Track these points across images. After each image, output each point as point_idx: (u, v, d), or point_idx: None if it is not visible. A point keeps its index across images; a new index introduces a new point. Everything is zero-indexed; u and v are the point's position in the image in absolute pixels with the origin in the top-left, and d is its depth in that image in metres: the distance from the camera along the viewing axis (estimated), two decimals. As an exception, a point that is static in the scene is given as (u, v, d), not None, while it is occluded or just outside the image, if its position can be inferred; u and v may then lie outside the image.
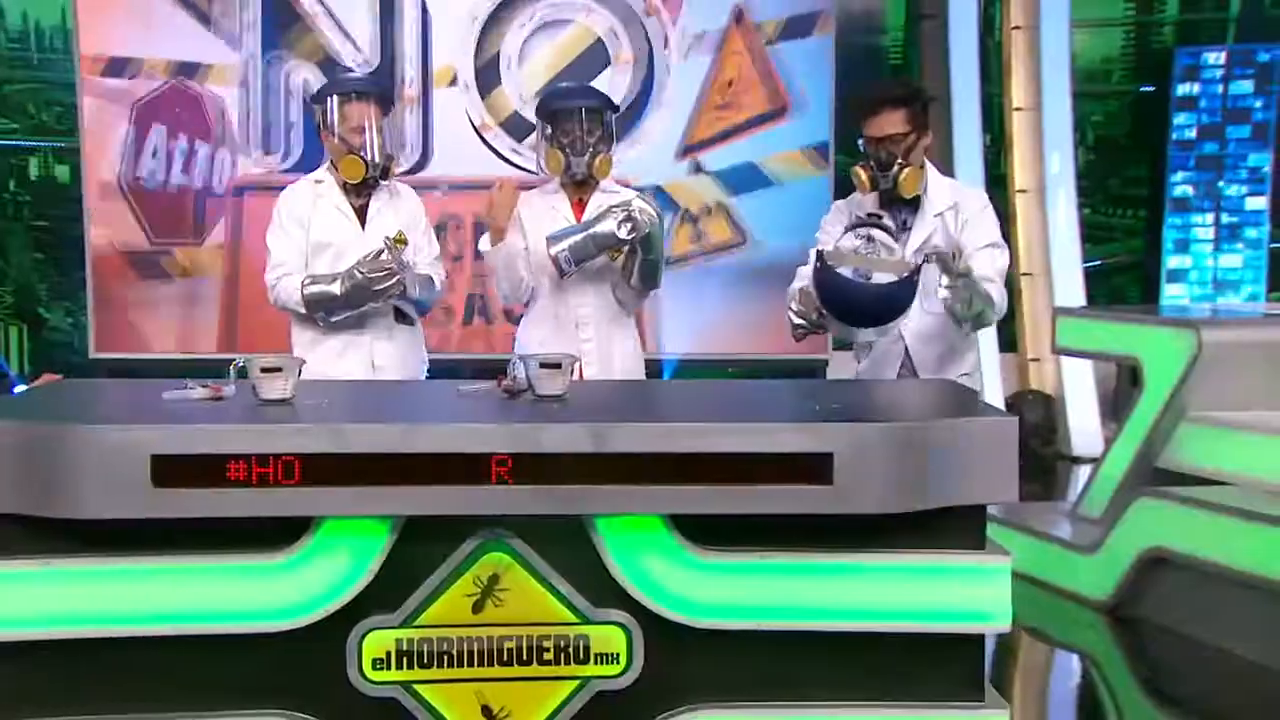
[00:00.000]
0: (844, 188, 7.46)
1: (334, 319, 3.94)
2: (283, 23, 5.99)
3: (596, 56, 6.07)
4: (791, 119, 6.64)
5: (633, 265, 3.99)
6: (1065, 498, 6.16)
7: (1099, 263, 7.90)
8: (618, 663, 2.68)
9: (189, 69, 6.39)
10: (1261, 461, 4.39)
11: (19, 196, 7.72)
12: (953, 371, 3.77)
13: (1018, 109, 7.53)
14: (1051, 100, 7.34)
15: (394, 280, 3.84)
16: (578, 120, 4.00)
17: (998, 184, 7.61)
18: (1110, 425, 6.35)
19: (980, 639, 2.75)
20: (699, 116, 6.34)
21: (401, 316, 4.11)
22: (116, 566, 2.55)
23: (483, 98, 5.93)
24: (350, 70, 6.29)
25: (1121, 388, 6.89)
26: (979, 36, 7.38)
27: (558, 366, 2.89)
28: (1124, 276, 8.06)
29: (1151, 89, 7.84)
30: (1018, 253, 7.57)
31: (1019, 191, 7.56)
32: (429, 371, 4.29)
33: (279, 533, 2.57)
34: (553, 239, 3.93)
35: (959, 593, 2.70)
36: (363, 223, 4.04)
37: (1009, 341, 7.50)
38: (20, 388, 7.56)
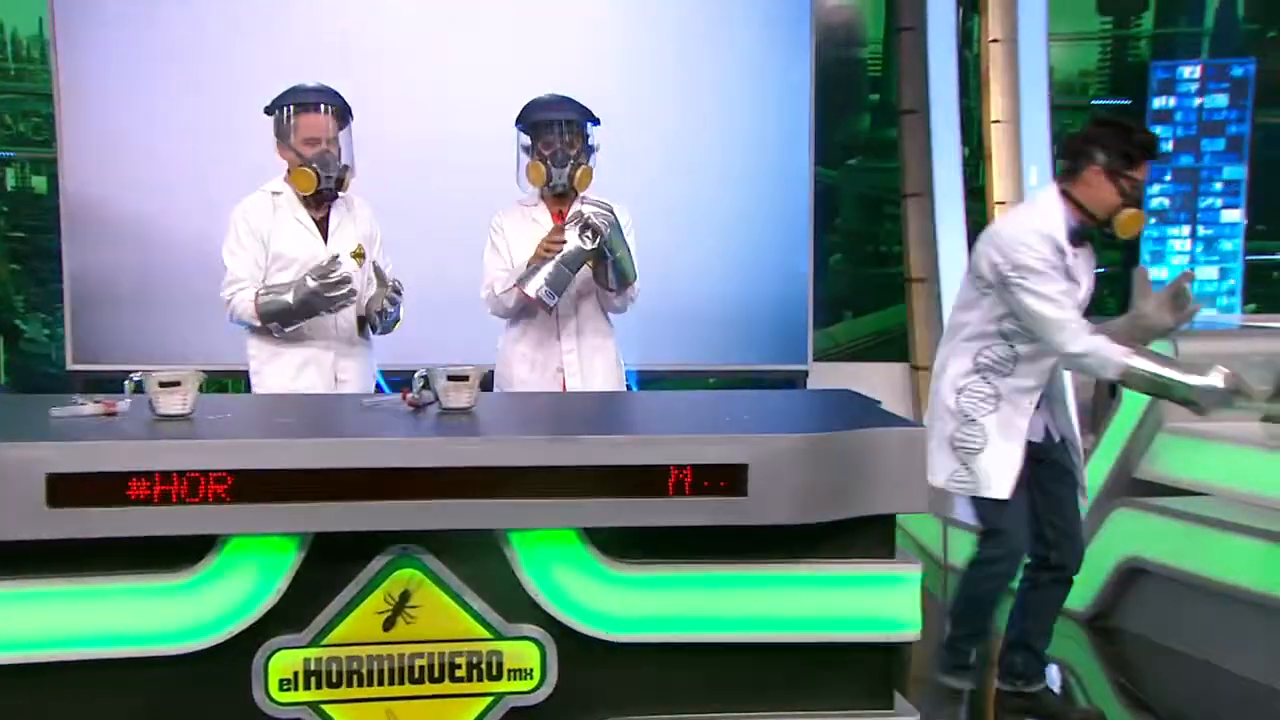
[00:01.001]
0: (823, 198, 7.53)
1: (288, 329, 3.89)
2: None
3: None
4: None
5: (605, 269, 3.96)
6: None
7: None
8: (531, 678, 2.65)
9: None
10: (1237, 472, 4.39)
11: (-4, 208, 7.74)
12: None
13: (996, 121, 7.48)
14: (1029, 113, 7.29)
15: (347, 290, 3.81)
16: (559, 132, 3.98)
17: (976, 196, 7.57)
18: (1088, 436, 6.31)
19: (890, 647, 2.75)
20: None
21: (363, 331, 4.07)
22: (10, 590, 2.50)
23: None
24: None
25: (1100, 399, 6.84)
26: (957, 49, 7.34)
27: (465, 379, 2.86)
28: (1102, 288, 8.01)
29: (1128, 102, 7.79)
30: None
31: (998, 203, 7.50)
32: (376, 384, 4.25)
33: (182, 552, 2.53)
34: (523, 280, 3.90)
35: (869, 601, 2.71)
36: (325, 235, 4.01)
37: (986, 355, 7.44)
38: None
